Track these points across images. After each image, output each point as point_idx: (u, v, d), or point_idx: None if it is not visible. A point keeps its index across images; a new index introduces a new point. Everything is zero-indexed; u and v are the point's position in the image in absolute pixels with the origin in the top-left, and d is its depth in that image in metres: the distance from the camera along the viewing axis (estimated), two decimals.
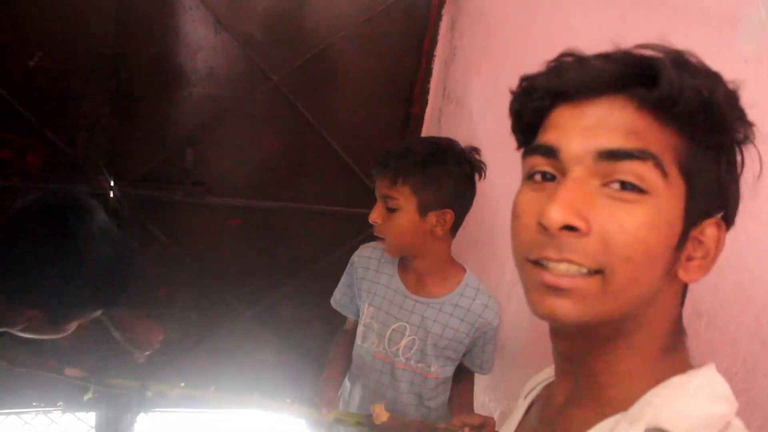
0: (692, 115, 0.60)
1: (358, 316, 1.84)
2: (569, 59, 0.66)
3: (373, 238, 1.73)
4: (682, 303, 0.69)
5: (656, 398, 0.62)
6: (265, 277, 2.87)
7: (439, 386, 1.77)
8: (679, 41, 0.61)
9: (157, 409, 2.98)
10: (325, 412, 1.65)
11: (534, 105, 0.69)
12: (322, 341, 2.89)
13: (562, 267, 0.62)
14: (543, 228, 0.62)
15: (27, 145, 2.43)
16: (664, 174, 0.60)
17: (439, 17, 2.58)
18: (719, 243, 0.64)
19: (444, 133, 2.55)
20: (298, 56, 2.57)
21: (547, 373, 0.89)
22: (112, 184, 2.53)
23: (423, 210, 1.58)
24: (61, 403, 2.77)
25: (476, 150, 1.64)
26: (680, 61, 0.60)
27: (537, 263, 0.64)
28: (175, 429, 3.26)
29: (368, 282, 1.79)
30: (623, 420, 0.63)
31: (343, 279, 1.90)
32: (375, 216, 1.62)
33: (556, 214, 0.60)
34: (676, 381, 0.64)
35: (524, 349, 2.04)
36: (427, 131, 2.73)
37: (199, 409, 3.00)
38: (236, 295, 2.86)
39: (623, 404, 0.64)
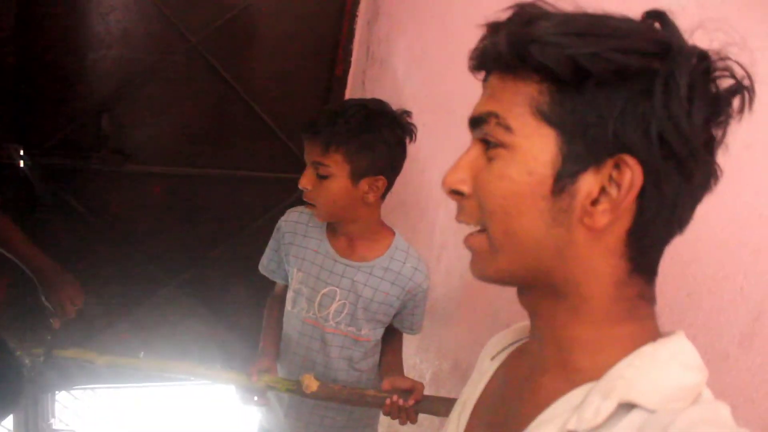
0: (545, 66, 0.60)
1: (287, 281, 1.82)
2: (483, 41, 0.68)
3: (300, 202, 1.70)
4: (633, 264, 0.65)
5: (628, 369, 0.61)
6: (190, 246, 2.81)
7: (370, 349, 1.78)
8: None
9: (78, 387, 2.90)
10: (255, 379, 1.64)
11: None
12: (250, 309, 2.86)
13: (469, 228, 0.69)
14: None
15: None
16: (508, 129, 0.63)
17: None
18: (625, 184, 0.60)
19: (368, 94, 2.54)
20: (217, 17, 2.49)
21: (515, 335, 0.88)
22: (21, 153, 2.41)
23: (355, 177, 1.56)
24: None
25: (407, 113, 1.62)
26: (525, 16, 0.62)
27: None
28: (97, 406, 3.19)
29: (296, 247, 1.76)
30: (594, 392, 0.61)
31: (270, 244, 1.87)
32: (305, 182, 1.58)
33: (446, 179, 0.69)
34: (647, 350, 0.62)
35: (455, 310, 2.08)
36: (351, 93, 2.71)
37: (123, 383, 2.93)
38: (160, 266, 2.79)
39: (591, 373, 0.64)
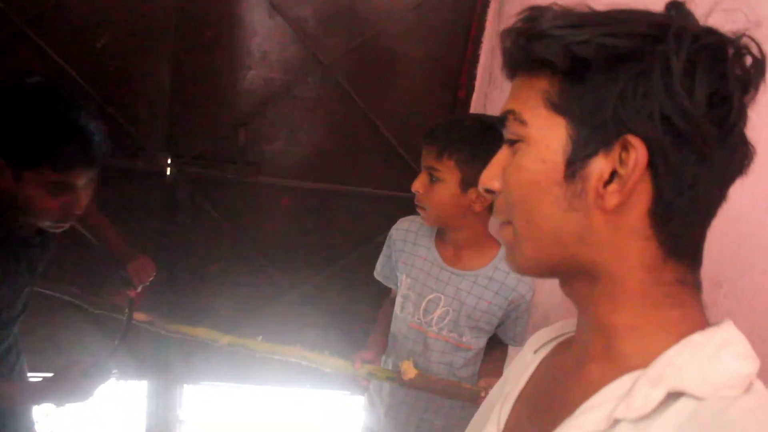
0: (530, 55, 0.65)
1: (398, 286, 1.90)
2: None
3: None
4: (666, 247, 0.65)
5: (677, 358, 0.61)
6: (313, 257, 2.95)
7: (471, 357, 1.81)
8: None
9: (203, 382, 3.10)
10: (358, 366, 1.72)
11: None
12: (367, 323, 2.94)
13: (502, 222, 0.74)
14: None
15: None
16: (523, 122, 0.67)
17: (486, 4, 2.61)
18: (631, 164, 0.61)
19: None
20: (349, 41, 2.64)
21: (559, 329, 0.90)
22: (169, 161, 2.66)
23: (465, 185, 1.61)
24: (115, 370, 2.90)
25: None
26: (533, 17, 0.65)
27: None
28: (219, 401, 3.38)
29: (406, 254, 1.84)
30: (642, 380, 0.61)
31: (383, 251, 1.96)
32: (417, 185, 1.67)
33: (480, 180, 0.75)
34: (696, 339, 0.62)
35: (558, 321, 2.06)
36: None
37: (243, 381, 3.10)
38: (284, 274, 2.94)
39: (638, 360, 0.64)
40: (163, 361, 2.93)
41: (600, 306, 0.68)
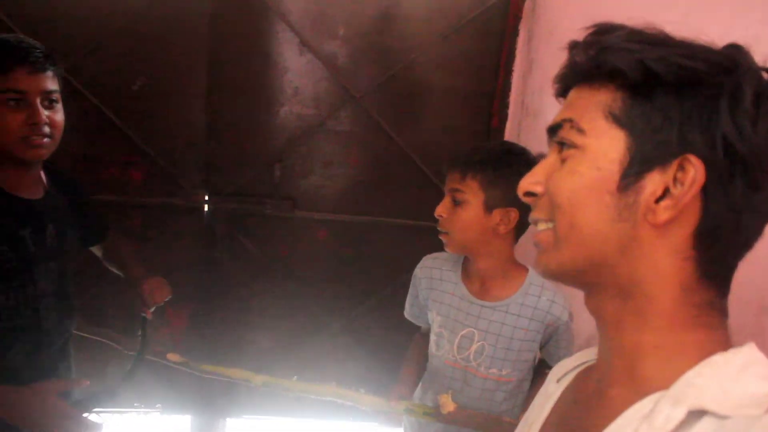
0: (597, 68, 0.68)
1: (429, 323, 1.87)
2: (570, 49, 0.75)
3: None
4: (702, 269, 0.66)
5: (698, 378, 0.62)
6: (352, 290, 2.95)
7: (511, 389, 1.76)
8: None
9: (246, 415, 3.11)
10: (394, 404, 1.70)
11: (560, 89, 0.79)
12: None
13: (539, 225, 0.74)
14: None
15: (131, 163, 2.65)
16: (580, 131, 0.69)
17: (515, 32, 2.61)
18: (688, 182, 0.63)
19: (523, 144, 2.55)
20: (380, 74, 2.66)
21: (580, 358, 0.89)
22: (206, 198, 2.71)
23: (489, 206, 1.60)
24: (159, 405, 2.95)
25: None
26: (603, 31, 0.68)
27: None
28: None
29: (434, 291, 1.81)
30: (664, 400, 0.62)
31: (410, 291, 1.93)
32: (441, 209, 1.65)
33: (521, 185, 0.76)
34: (718, 359, 0.63)
35: None
36: None
37: (284, 413, 3.10)
38: (324, 307, 2.95)
39: (660, 382, 0.64)
40: (205, 395, 2.95)
41: (627, 324, 0.69)
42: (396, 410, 1.74)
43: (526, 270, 1.74)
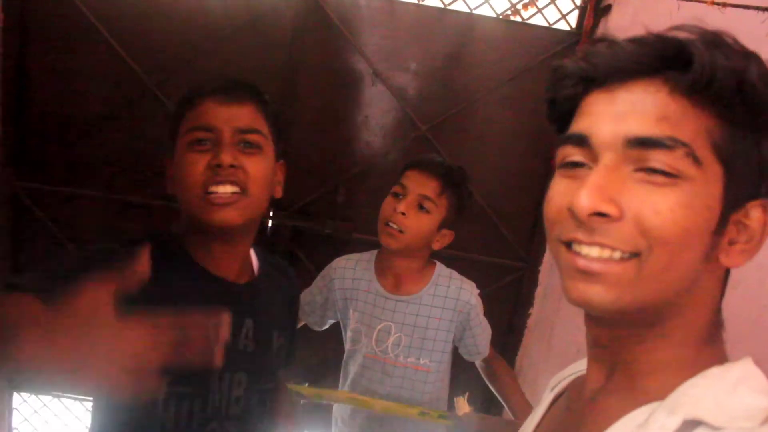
0: (727, 97, 0.60)
1: (320, 327, 2.02)
2: (601, 44, 0.67)
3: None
4: (722, 293, 0.69)
5: (694, 389, 0.62)
6: None
7: (431, 379, 1.86)
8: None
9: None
10: (410, 410, 1.78)
11: (566, 92, 0.71)
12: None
13: (594, 251, 0.63)
14: (573, 214, 0.63)
15: None
16: (697, 162, 0.60)
17: None
18: (766, 226, 0.63)
19: None
20: (446, 109, 2.76)
21: (575, 368, 0.89)
22: (271, 214, 2.84)
23: (442, 225, 1.76)
24: None
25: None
26: (714, 42, 0.60)
27: (570, 247, 0.65)
28: None
29: (348, 290, 1.92)
30: (660, 410, 0.62)
31: (315, 296, 2.01)
32: (405, 208, 1.74)
33: (585, 201, 0.61)
34: (714, 372, 0.63)
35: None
36: None
37: None
38: None
39: (657, 393, 0.64)
40: None
41: (646, 344, 0.67)
42: (410, 415, 1.80)
43: (435, 264, 1.87)
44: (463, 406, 1.76)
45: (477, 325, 1.88)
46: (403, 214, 1.74)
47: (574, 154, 0.67)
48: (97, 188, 2.76)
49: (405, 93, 2.76)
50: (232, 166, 1.14)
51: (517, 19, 2.76)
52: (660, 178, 0.60)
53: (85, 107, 2.69)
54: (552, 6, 2.76)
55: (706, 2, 2.27)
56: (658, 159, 0.60)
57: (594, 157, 0.65)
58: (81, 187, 2.73)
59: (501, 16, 2.74)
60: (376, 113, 2.78)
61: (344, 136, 2.81)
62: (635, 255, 0.61)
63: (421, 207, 1.74)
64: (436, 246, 1.79)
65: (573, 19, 2.76)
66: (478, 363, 2.00)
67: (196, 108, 1.19)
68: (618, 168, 0.62)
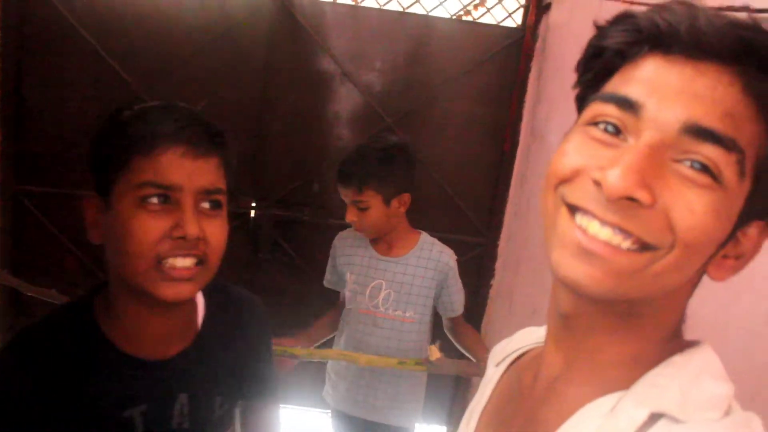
0: None
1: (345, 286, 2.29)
2: (680, 6, 0.58)
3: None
4: (691, 294, 0.67)
5: (659, 378, 0.61)
6: None
7: (415, 329, 2.17)
8: None
9: None
10: (363, 361, 2.08)
11: (622, 47, 0.61)
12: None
13: (605, 233, 0.57)
14: (597, 187, 0.57)
15: None
16: (742, 173, 0.55)
17: (527, 69, 3.00)
18: (757, 246, 0.61)
19: (531, 167, 2.94)
20: (409, 102, 3.06)
21: (519, 341, 0.87)
22: (254, 204, 3.10)
23: (387, 201, 2.02)
24: None
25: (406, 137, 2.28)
26: None
27: (573, 214, 0.60)
28: None
29: (348, 256, 2.24)
30: (626, 400, 0.60)
31: (329, 262, 2.34)
32: (350, 217, 2.06)
33: (620, 182, 0.54)
34: (677, 360, 0.62)
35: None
36: (517, 166, 3.11)
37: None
38: None
39: (622, 383, 0.63)
40: None
41: (618, 336, 0.65)
42: (391, 365, 2.10)
43: (420, 233, 2.21)
44: (434, 352, 2.04)
45: (454, 284, 2.18)
46: (354, 221, 2.07)
47: (613, 116, 0.59)
48: (92, 189, 2.96)
49: (371, 90, 3.05)
50: (197, 238, 0.97)
51: (469, 18, 3.09)
52: (701, 177, 0.54)
53: (77, 112, 2.91)
54: (499, 6, 3.08)
55: (639, 3, 2.58)
56: (710, 156, 0.54)
57: (637, 130, 0.57)
58: (78, 188, 2.94)
59: (454, 17, 3.05)
60: (346, 109, 3.07)
61: (317, 131, 3.09)
62: (650, 248, 0.56)
63: (360, 209, 2.04)
64: (401, 211, 2.08)
65: (519, 17, 3.09)
66: (447, 326, 2.30)
67: (154, 157, 0.96)
68: (660, 151, 0.55)
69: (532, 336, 0.83)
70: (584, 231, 0.58)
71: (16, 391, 0.96)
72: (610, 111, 0.59)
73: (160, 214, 0.96)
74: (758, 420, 0.56)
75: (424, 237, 2.20)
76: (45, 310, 1.13)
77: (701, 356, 0.62)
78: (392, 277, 2.15)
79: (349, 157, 2.06)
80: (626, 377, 0.62)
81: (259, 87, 2.99)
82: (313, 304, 3.23)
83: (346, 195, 2.06)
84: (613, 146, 0.58)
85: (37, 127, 2.93)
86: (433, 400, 2.98)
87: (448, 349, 2.17)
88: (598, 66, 0.65)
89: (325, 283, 2.39)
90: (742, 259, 0.61)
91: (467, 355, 2.27)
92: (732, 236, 0.59)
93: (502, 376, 0.83)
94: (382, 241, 2.19)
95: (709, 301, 1.84)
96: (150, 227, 0.95)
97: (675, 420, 0.56)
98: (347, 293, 2.25)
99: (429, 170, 3.13)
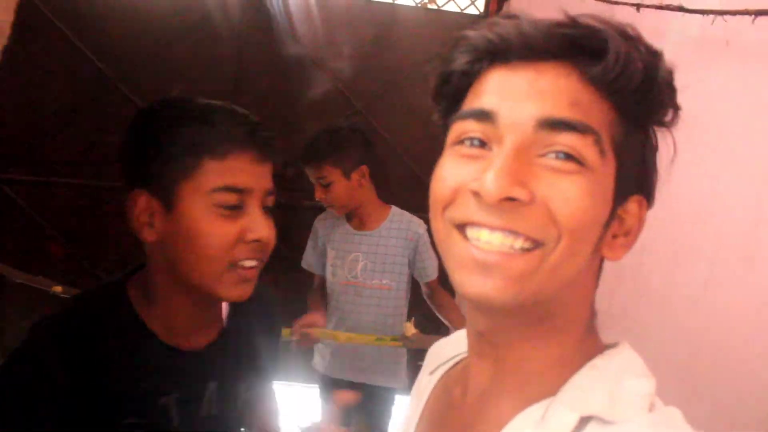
0: (632, 92, 0.58)
1: (322, 271, 2.43)
2: (507, 20, 0.62)
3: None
4: (596, 285, 0.68)
5: (585, 381, 0.62)
6: None
7: (393, 296, 2.32)
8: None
9: None
10: (343, 339, 2.22)
11: (466, 67, 0.65)
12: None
13: (496, 238, 0.58)
14: (477, 197, 0.58)
15: None
16: (602, 152, 0.58)
17: None
18: (641, 221, 0.63)
19: None
20: (377, 87, 3.21)
21: (454, 347, 0.86)
22: None
23: (347, 174, 2.16)
24: None
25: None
26: (626, 34, 0.59)
27: (464, 233, 0.61)
28: None
29: (328, 234, 2.39)
30: (555, 405, 0.61)
31: (309, 243, 2.48)
32: (319, 195, 2.22)
33: (495, 185, 0.56)
34: (599, 363, 0.63)
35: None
36: None
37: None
38: None
39: (549, 389, 0.63)
40: None
41: (534, 343, 0.65)
42: (369, 342, 2.24)
43: (390, 207, 2.36)
44: (409, 328, 2.18)
45: (425, 251, 2.31)
46: (322, 198, 2.22)
47: (476, 130, 0.61)
48: (70, 176, 3.09)
49: (340, 75, 3.17)
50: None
51: (433, 6, 3.23)
52: (567, 165, 0.57)
53: (53, 100, 3.00)
54: None
55: None
56: (568, 143, 0.57)
57: (498, 137, 0.59)
58: (55, 175, 3.04)
59: (419, 5, 3.20)
60: (317, 94, 3.17)
61: (290, 116, 3.20)
62: (538, 245, 0.58)
63: (323, 185, 2.19)
64: (364, 183, 2.22)
65: (481, 4, 3.24)
66: (426, 293, 2.44)
67: (226, 162, 0.98)
68: (525, 151, 0.58)
69: (462, 344, 0.78)
70: (477, 245, 0.59)
71: (53, 376, 0.94)
72: (471, 126, 0.61)
73: (231, 217, 0.97)
74: (679, 413, 0.58)
75: (394, 210, 2.35)
76: (31, 296, 1.16)
77: (622, 356, 0.64)
78: (367, 249, 2.29)
79: (308, 140, 2.24)
80: (552, 383, 0.63)
81: (232, 74, 3.11)
82: (290, 282, 3.39)
83: (311, 174, 2.21)
84: (482, 158, 0.60)
85: (13, 115, 3.01)
86: (416, 370, 3.10)
87: (424, 326, 2.32)
88: (450, 91, 0.69)
89: (303, 264, 2.51)
90: (630, 236, 0.64)
91: (445, 322, 2.43)
92: (614, 216, 0.61)
93: (436, 387, 0.83)
94: (355, 217, 2.33)
95: (656, 273, 2.03)
96: (224, 232, 0.96)
97: (604, 422, 0.58)
98: (328, 268, 2.38)
99: (398, 152, 3.28)
